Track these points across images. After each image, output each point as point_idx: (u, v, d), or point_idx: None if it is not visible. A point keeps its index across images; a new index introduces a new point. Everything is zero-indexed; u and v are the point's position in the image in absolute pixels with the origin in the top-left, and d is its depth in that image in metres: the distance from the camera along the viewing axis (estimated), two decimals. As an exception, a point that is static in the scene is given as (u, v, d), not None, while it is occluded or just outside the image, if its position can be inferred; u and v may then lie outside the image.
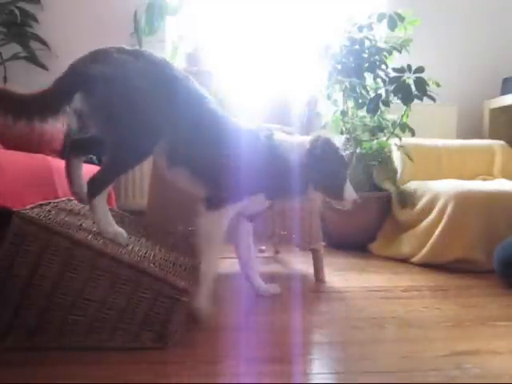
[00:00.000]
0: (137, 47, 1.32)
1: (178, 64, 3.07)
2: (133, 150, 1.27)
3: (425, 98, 2.53)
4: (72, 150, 1.39)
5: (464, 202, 2.18)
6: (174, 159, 1.37)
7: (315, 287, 1.82)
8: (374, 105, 2.59)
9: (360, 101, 2.68)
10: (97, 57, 1.27)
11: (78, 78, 1.23)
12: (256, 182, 1.41)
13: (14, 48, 3.12)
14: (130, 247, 1.25)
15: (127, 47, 1.33)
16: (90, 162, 2.65)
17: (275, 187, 1.45)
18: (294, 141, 1.50)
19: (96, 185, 1.25)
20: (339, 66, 2.66)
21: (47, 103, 1.22)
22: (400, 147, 2.71)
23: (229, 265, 2.19)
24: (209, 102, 1.41)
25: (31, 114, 1.21)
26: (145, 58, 1.32)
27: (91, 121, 1.28)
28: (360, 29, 2.68)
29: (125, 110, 1.24)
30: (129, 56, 1.29)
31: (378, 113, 2.64)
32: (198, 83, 1.43)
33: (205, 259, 1.39)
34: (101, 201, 1.25)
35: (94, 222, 1.27)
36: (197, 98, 1.39)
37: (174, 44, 3.16)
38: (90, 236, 1.18)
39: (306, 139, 1.50)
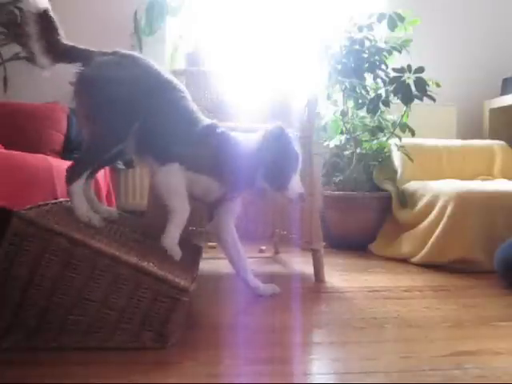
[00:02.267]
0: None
1: (178, 64, 3.08)
2: (107, 135, 1.35)
3: (425, 98, 2.53)
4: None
5: (464, 202, 2.18)
6: (141, 146, 1.43)
7: (315, 287, 1.82)
8: (374, 105, 2.59)
9: (360, 101, 2.68)
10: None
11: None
12: (199, 159, 1.43)
13: (14, 48, 3.12)
14: (129, 246, 1.25)
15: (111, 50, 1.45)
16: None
17: (222, 173, 1.44)
18: (247, 135, 1.51)
19: (73, 171, 1.33)
20: (339, 66, 2.66)
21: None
22: (400, 147, 2.72)
23: (228, 265, 2.20)
24: (183, 100, 1.46)
25: None
26: (124, 57, 1.43)
27: (79, 113, 1.43)
28: (360, 29, 2.68)
29: (100, 100, 1.35)
30: (109, 56, 1.42)
31: (378, 113, 2.64)
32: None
33: (170, 204, 1.42)
34: (78, 187, 1.32)
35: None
36: (169, 93, 1.44)
37: (174, 44, 3.16)
38: (90, 236, 1.18)
39: (263, 131, 1.50)
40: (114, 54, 1.42)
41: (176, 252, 1.39)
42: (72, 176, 1.32)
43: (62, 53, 1.41)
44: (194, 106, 1.50)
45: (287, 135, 1.48)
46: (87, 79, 1.39)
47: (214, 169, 1.44)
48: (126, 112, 1.35)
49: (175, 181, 1.42)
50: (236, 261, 1.62)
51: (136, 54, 1.46)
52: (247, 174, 1.47)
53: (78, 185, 1.32)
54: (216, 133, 1.47)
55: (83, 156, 1.38)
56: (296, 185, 1.48)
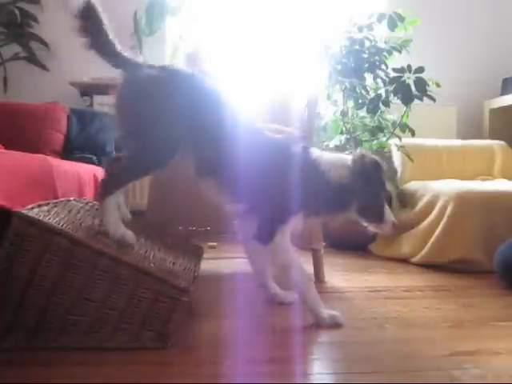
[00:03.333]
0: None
1: (178, 64, 3.08)
2: (150, 158, 1.29)
3: (425, 98, 2.53)
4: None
5: (464, 202, 2.18)
6: (203, 171, 1.37)
7: (315, 287, 1.82)
8: (374, 105, 2.59)
9: (360, 101, 2.68)
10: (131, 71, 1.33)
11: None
12: (302, 199, 1.35)
13: (14, 48, 3.12)
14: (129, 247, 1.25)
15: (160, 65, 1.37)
16: (90, 161, 2.66)
17: (318, 205, 1.39)
18: (331, 157, 1.43)
19: (109, 185, 1.28)
20: (339, 66, 2.66)
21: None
22: (400, 147, 2.72)
23: (229, 265, 2.20)
24: (239, 116, 1.40)
25: None
26: (173, 74, 1.34)
27: (119, 125, 1.32)
28: (360, 29, 2.68)
29: (146, 121, 1.27)
30: (157, 71, 1.32)
31: (378, 113, 2.64)
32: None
33: (294, 284, 1.38)
34: (112, 202, 1.26)
35: (100, 222, 1.28)
36: (225, 111, 1.37)
37: (174, 44, 3.16)
38: (90, 236, 1.18)
39: (344, 156, 1.44)
40: (163, 68, 1.34)
41: (322, 312, 1.35)
42: (106, 190, 1.26)
43: (107, 54, 1.32)
44: (260, 130, 1.43)
45: (380, 165, 1.40)
46: (131, 93, 1.30)
47: (314, 201, 1.37)
48: (171, 135, 1.29)
49: (289, 254, 1.37)
50: (259, 266, 1.56)
51: (190, 71, 1.38)
52: (340, 204, 1.40)
53: (113, 200, 1.26)
54: (309, 160, 1.38)
55: (121, 172, 1.29)
56: (389, 216, 1.41)
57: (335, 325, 1.35)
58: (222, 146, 1.34)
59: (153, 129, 1.27)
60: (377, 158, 1.41)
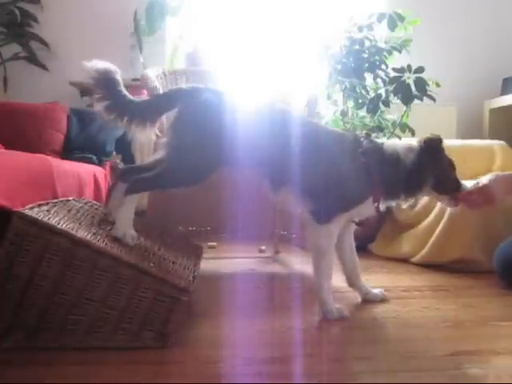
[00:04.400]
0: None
1: (178, 64, 3.08)
2: (183, 174, 1.35)
3: (425, 98, 2.53)
4: (123, 175, 1.46)
5: (464, 202, 2.17)
6: (278, 182, 1.42)
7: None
8: (374, 105, 2.59)
9: (360, 101, 2.68)
10: (192, 90, 1.41)
11: (170, 102, 1.38)
12: (366, 186, 1.42)
13: (14, 48, 3.12)
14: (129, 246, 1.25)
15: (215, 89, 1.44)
16: (90, 161, 2.66)
17: (389, 190, 1.45)
18: (397, 144, 1.53)
19: (138, 186, 1.34)
20: (339, 66, 2.66)
21: (146, 110, 1.34)
22: (400, 147, 2.71)
23: (228, 265, 2.20)
24: (296, 119, 1.46)
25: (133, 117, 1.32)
26: (225, 100, 1.40)
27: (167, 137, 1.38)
28: (360, 29, 2.67)
29: (190, 142, 1.33)
30: (213, 96, 1.39)
31: (378, 113, 2.64)
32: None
33: (316, 271, 1.42)
34: (134, 200, 1.32)
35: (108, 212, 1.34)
36: (283, 121, 1.42)
37: (174, 44, 3.16)
38: (90, 236, 1.18)
39: (408, 143, 1.53)
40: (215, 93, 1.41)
41: (331, 304, 1.41)
42: (135, 189, 1.32)
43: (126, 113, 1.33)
44: (319, 127, 1.51)
45: (443, 145, 1.52)
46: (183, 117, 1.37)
47: (383, 187, 1.44)
48: (208, 155, 1.34)
49: (331, 245, 1.43)
50: (351, 266, 1.62)
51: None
52: (414, 186, 1.48)
53: (135, 199, 1.32)
54: (368, 151, 1.44)
55: (155, 178, 1.34)
56: (464, 185, 1.53)
57: (341, 318, 1.40)
58: (292, 154, 1.37)
59: (197, 148, 1.33)
60: (439, 137, 1.52)
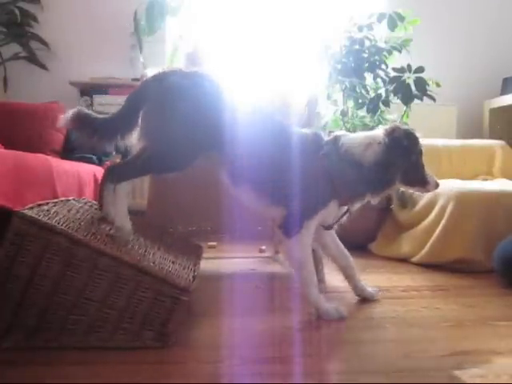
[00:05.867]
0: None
1: (178, 64, 3.08)
2: (167, 159, 1.33)
3: (425, 98, 2.53)
4: (109, 174, 1.42)
5: (464, 201, 2.17)
6: (238, 178, 1.40)
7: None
8: (374, 105, 2.59)
9: (360, 101, 2.68)
10: (157, 77, 1.38)
11: (140, 96, 1.36)
12: (328, 190, 1.38)
13: (14, 48, 3.12)
14: (129, 246, 1.25)
15: (187, 70, 1.40)
16: (90, 161, 2.66)
17: (354, 192, 1.42)
18: (360, 139, 1.44)
19: (123, 173, 1.32)
20: (339, 66, 2.66)
21: (118, 126, 1.35)
22: (400, 147, 2.71)
23: (228, 265, 2.20)
24: (267, 115, 1.43)
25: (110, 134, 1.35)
26: (200, 81, 1.37)
27: (141, 126, 1.36)
28: (360, 29, 2.68)
29: (167, 126, 1.31)
30: (184, 79, 1.36)
31: (378, 113, 2.64)
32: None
33: (301, 282, 1.41)
34: (124, 189, 1.31)
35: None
36: (254, 114, 1.40)
37: (174, 44, 3.16)
38: (90, 235, 1.18)
39: (371, 134, 1.46)
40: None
41: (324, 305, 1.39)
42: (120, 177, 1.31)
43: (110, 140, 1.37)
44: (284, 125, 1.45)
45: (408, 132, 1.44)
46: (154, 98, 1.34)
47: (344, 189, 1.40)
48: (190, 140, 1.32)
49: (307, 253, 1.40)
50: (343, 264, 1.63)
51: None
52: (380, 183, 1.43)
53: (125, 188, 1.31)
54: (328, 154, 1.39)
55: (139, 163, 1.33)
56: (431, 175, 1.49)
57: (340, 317, 1.39)
58: (252, 149, 1.35)
59: (177, 133, 1.30)
60: (406, 127, 1.47)
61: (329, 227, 1.52)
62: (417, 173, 1.46)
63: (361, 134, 1.49)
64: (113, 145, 1.36)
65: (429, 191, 1.52)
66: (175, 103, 1.31)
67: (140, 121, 1.34)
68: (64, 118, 1.32)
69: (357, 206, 1.50)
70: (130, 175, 1.33)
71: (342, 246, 1.62)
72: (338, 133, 1.47)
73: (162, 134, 1.31)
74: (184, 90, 1.33)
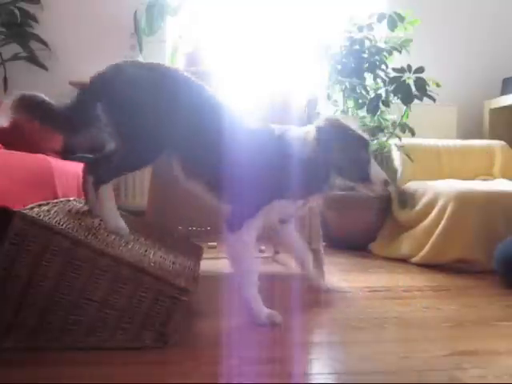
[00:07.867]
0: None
1: (178, 64, 3.08)
2: (135, 156, 1.33)
3: (425, 98, 2.53)
4: (89, 168, 1.45)
5: (464, 202, 2.17)
6: (189, 172, 1.40)
7: (315, 287, 1.82)
8: (374, 105, 2.59)
9: (360, 101, 2.68)
10: (111, 71, 1.34)
11: (95, 91, 1.35)
12: (268, 188, 1.34)
13: (14, 48, 3.12)
14: (129, 246, 1.25)
15: (142, 61, 1.39)
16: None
17: (290, 188, 1.36)
18: (296, 132, 1.40)
19: (102, 176, 1.31)
20: (339, 66, 2.66)
21: (72, 116, 1.36)
22: (400, 147, 2.71)
23: (228, 265, 2.19)
24: (222, 110, 1.40)
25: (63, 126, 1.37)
26: (158, 72, 1.36)
27: (108, 125, 1.34)
28: (360, 29, 2.68)
29: (130, 120, 1.30)
30: (141, 70, 1.34)
31: (378, 113, 2.64)
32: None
33: (239, 280, 1.37)
34: (108, 190, 1.30)
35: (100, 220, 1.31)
36: (208, 108, 1.38)
37: (174, 44, 3.16)
38: (90, 236, 1.18)
39: (310, 128, 1.39)
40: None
41: (258, 307, 1.34)
42: (100, 180, 1.30)
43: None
44: (236, 117, 1.41)
45: (341, 124, 1.36)
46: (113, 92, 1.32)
47: (283, 185, 1.35)
48: (154, 133, 1.31)
49: (247, 250, 1.37)
50: (297, 253, 1.65)
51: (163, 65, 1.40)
52: (317, 178, 1.37)
53: (109, 189, 1.30)
54: (281, 145, 1.36)
55: (114, 164, 1.32)
56: (377, 172, 1.36)
57: (272, 324, 1.32)
58: (205, 145, 1.35)
59: (136, 130, 1.30)
60: (340, 119, 1.39)
61: (283, 221, 1.54)
62: (356, 169, 1.35)
63: (303, 129, 1.42)
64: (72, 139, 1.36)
65: (374, 191, 1.37)
66: (137, 95, 1.30)
67: (102, 115, 1.32)
68: (4, 108, 1.28)
69: (314, 201, 1.48)
70: (107, 178, 1.32)
71: (300, 240, 1.64)
72: (283, 127, 1.43)
73: (128, 129, 1.30)
74: (145, 81, 1.31)
